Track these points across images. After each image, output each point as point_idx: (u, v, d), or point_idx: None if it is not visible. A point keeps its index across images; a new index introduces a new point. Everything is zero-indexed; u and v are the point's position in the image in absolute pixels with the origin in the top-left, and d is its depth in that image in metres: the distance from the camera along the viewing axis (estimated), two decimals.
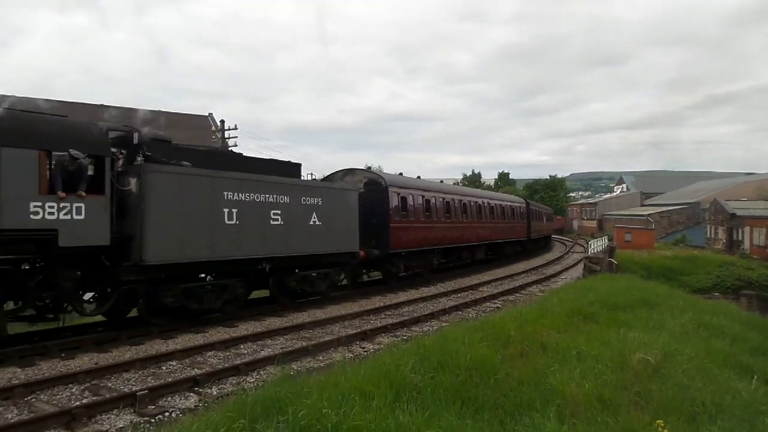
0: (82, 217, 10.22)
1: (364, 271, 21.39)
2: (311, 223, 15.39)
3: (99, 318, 14.57)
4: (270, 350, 10.73)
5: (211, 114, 47.82)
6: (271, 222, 14.07)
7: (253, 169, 14.15)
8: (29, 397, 7.86)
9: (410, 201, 21.46)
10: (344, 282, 18.68)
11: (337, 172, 21.49)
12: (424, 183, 25.32)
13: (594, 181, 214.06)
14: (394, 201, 20.35)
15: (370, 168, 20.60)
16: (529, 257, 38.54)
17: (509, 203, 35.45)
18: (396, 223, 20.23)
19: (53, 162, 10.21)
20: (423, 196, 22.74)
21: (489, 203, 30.66)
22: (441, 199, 24.42)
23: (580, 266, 28.84)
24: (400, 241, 20.30)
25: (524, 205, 39.67)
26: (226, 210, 12.86)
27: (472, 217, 27.44)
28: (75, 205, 10.14)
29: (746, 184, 66.26)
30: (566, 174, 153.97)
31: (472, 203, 27.79)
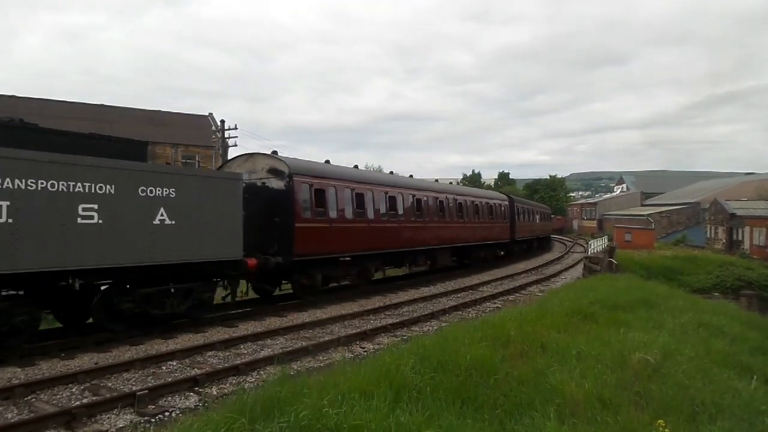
0: None
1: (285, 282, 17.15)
2: (157, 221, 11.34)
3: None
4: (270, 350, 10.73)
5: (211, 114, 47.83)
6: (80, 221, 10.07)
7: (58, 147, 10.32)
8: (29, 397, 7.86)
9: (330, 195, 17.19)
10: (228, 299, 14.48)
11: (236, 157, 17.91)
12: (356, 174, 20.39)
13: (594, 181, 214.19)
14: (303, 194, 15.99)
15: (276, 153, 16.75)
16: (529, 258, 38.43)
17: (485, 200, 30.83)
18: (305, 222, 15.87)
19: None
20: (352, 190, 18.42)
21: (456, 199, 26.48)
22: (382, 194, 20.25)
23: (580, 266, 28.85)
24: (311, 246, 15.97)
25: (506, 202, 34.91)
26: None
27: (430, 216, 23.52)
28: None
29: (746, 184, 66.29)
30: (566, 174, 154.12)
31: (430, 199, 23.82)
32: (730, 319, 14.34)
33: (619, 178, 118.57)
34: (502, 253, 34.25)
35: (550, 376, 7.10)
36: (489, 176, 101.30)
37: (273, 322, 13.64)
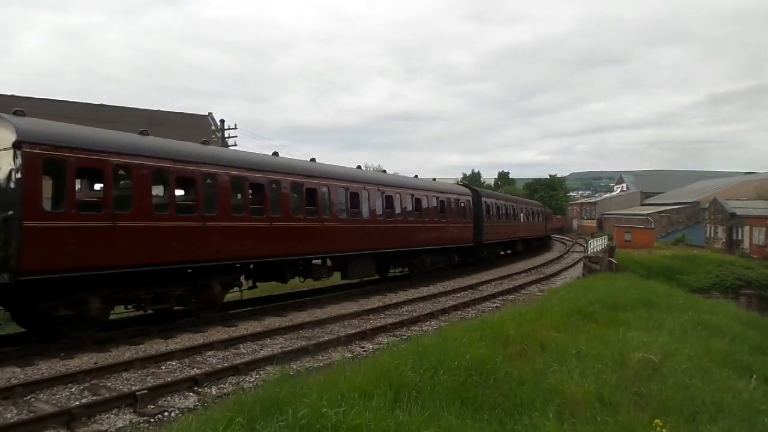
0: None
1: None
2: None
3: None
4: (269, 350, 10.72)
5: (210, 114, 47.80)
6: None
7: None
8: (29, 397, 7.85)
9: (110, 179, 11.33)
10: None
11: None
12: (169, 147, 13.02)
13: (594, 181, 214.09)
14: (39, 177, 10.21)
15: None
16: (529, 257, 38.25)
17: (433, 194, 24.29)
18: (48, 220, 10.29)
19: None
20: (166, 172, 12.29)
21: (383, 192, 20.36)
22: (227, 179, 13.65)
23: (580, 266, 28.83)
24: (55, 255, 10.25)
25: (469, 197, 28.36)
26: None
27: (335, 214, 17.71)
28: None
29: (746, 183, 66.29)
30: (566, 173, 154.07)
31: (333, 190, 17.60)
32: (730, 319, 14.37)
33: (618, 177, 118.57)
34: (460, 259, 27.47)
35: (549, 375, 7.11)
36: (489, 176, 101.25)
37: (272, 322, 13.62)
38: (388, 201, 20.73)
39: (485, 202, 29.94)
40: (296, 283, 18.63)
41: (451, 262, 26.33)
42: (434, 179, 32.93)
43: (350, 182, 18.66)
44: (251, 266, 15.30)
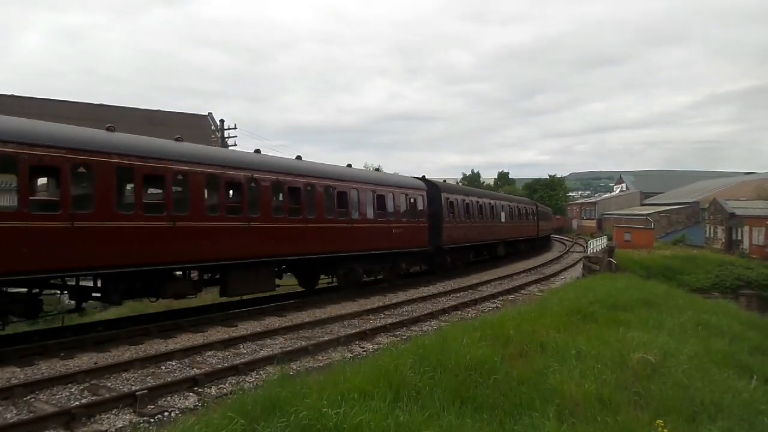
0: None
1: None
2: None
3: (99, 317, 14.55)
4: (269, 350, 10.72)
5: (210, 114, 47.86)
6: None
7: None
8: (28, 397, 7.85)
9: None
10: None
11: None
12: None
13: (593, 181, 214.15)
14: None
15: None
16: (529, 257, 38.14)
17: (369, 186, 19.53)
18: None
19: None
20: None
21: (281, 182, 15.58)
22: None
23: (580, 266, 28.83)
24: None
25: (423, 192, 23.22)
26: None
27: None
28: None
29: (745, 183, 66.28)
30: (566, 173, 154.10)
31: (190, 177, 12.93)
32: (730, 319, 14.37)
33: (618, 177, 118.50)
34: (410, 267, 23.23)
35: (549, 376, 7.11)
36: (489, 176, 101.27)
37: (272, 322, 13.62)
38: (294, 195, 16.08)
39: (447, 198, 24.92)
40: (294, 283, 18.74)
41: (396, 271, 21.16)
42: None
43: (226, 169, 13.92)
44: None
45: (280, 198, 16.01)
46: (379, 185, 20.18)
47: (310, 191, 16.60)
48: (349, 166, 20.44)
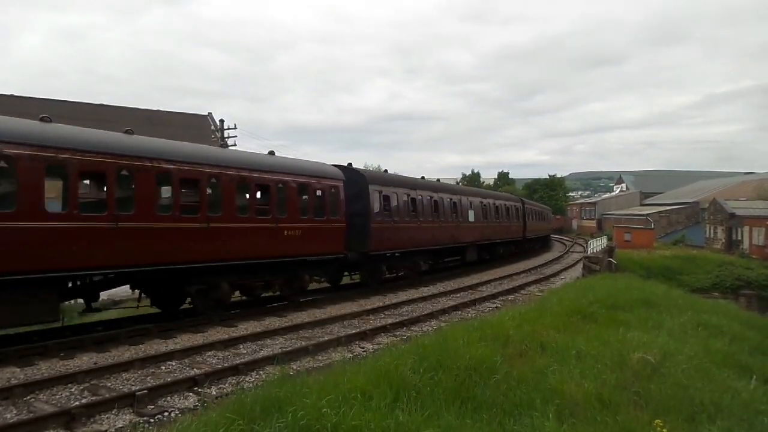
0: None
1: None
2: None
3: (98, 317, 14.55)
4: (269, 350, 10.72)
5: (210, 114, 47.84)
6: None
7: None
8: (28, 397, 7.85)
9: None
10: None
11: None
12: None
13: (593, 181, 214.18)
14: None
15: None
16: (529, 257, 38.10)
17: (237, 172, 14.06)
18: None
19: None
20: None
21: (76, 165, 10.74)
22: None
23: (580, 266, 28.85)
24: None
25: (339, 183, 17.71)
26: None
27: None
28: None
29: (745, 183, 66.30)
30: (566, 173, 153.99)
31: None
32: (729, 319, 14.37)
33: (618, 177, 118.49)
34: (314, 278, 18.12)
35: (549, 376, 7.11)
36: (489, 176, 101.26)
37: (272, 322, 13.62)
38: (96, 182, 12.18)
39: (380, 192, 19.55)
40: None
41: (296, 285, 16.23)
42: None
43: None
44: None
45: (80, 188, 11.20)
46: (261, 171, 14.65)
47: (127, 178, 11.70)
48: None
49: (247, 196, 14.44)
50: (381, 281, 20.29)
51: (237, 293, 15.04)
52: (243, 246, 13.94)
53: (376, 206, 19.31)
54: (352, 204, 18.21)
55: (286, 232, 15.16)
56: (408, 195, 21.53)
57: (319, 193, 16.89)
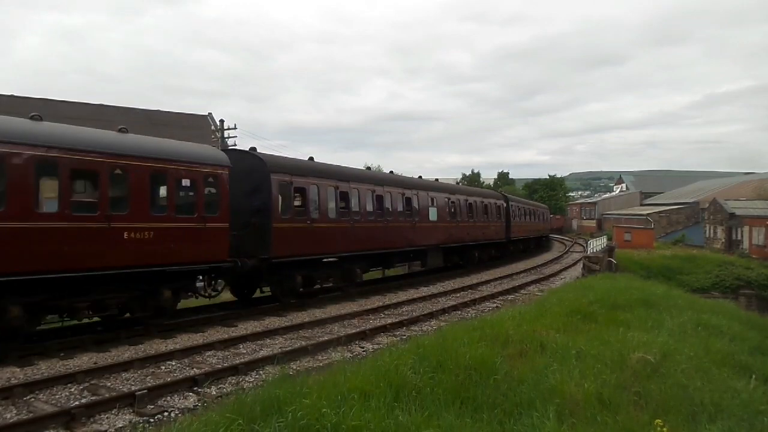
0: None
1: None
2: None
3: (97, 317, 14.54)
4: (269, 350, 10.72)
5: (210, 114, 47.86)
6: None
7: None
8: (28, 397, 7.85)
9: None
10: None
11: None
12: None
13: (593, 181, 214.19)
14: None
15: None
16: (528, 257, 38.11)
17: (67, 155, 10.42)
18: None
19: None
20: None
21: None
22: None
23: (579, 266, 28.84)
24: None
25: (222, 171, 13.59)
26: None
27: None
28: None
29: (745, 183, 66.27)
30: (566, 174, 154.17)
31: None
32: (729, 319, 14.36)
33: (618, 177, 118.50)
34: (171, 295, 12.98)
35: (549, 375, 7.10)
36: (489, 176, 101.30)
37: (272, 322, 13.63)
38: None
39: (289, 183, 15.62)
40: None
41: (153, 304, 12.35)
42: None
43: None
44: None
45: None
46: (84, 152, 10.75)
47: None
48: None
49: (59, 184, 10.44)
50: (298, 295, 16.11)
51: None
52: (46, 254, 10.03)
53: (282, 201, 15.37)
54: (249, 198, 14.76)
55: (126, 234, 11.33)
56: (336, 188, 17.42)
57: (186, 182, 12.74)
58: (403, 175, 24.72)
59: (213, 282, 14.36)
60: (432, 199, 23.67)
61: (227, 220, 13.53)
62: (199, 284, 14.31)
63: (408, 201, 21.59)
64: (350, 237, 17.83)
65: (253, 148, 16.28)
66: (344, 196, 17.91)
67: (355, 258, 18.19)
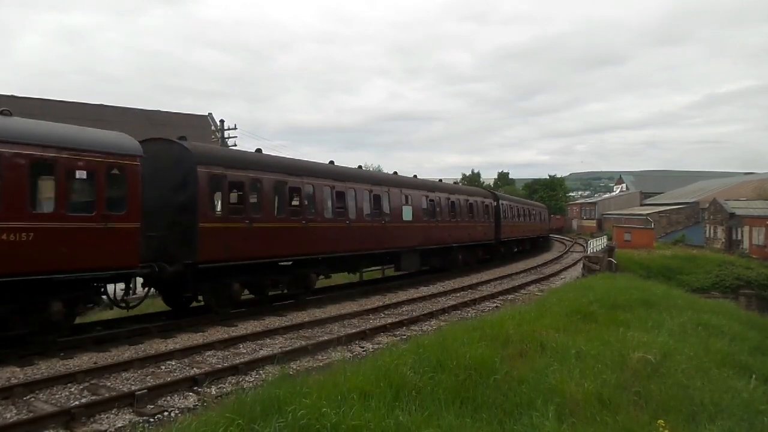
0: None
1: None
2: None
3: (98, 317, 14.54)
4: (269, 350, 10.72)
5: (210, 114, 47.88)
6: None
7: None
8: (28, 397, 7.85)
9: None
10: None
11: None
12: None
13: (593, 181, 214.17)
14: None
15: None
16: (529, 257, 38.15)
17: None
18: None
19: None
20: None
21: None
22: None
23: (580, 266, 28.85)
24: None
25: (133, 166, 11.49)
26: None
27: None
28: None
29: (745, 183, 66.29)
30: (566, 174, 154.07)
31: None
32: (729, 319, 14.36)
33: (618, 177, 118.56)
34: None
35: (549, 375, 7.10)
36: (489, 176, 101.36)
37: (272, 322, 13.62)
38: None
39: (216, 176, 13.50)
40: None
41: (29, 317, 10.35)
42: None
43: None
44: None
45: None
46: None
47: None
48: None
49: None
50: (237, 304, 14.50)
51: None
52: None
53: (210, 198, 13.65)
54: (174, 194, 12.99)
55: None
56: (284, 183, 15.47)
57: (82, 174, 10.81)
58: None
59: (129, 291, 12.50)
60: (406, 197, 21.70)
61: (138, 219, 11.49)
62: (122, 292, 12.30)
63: (377, 199, 19.70)
64: (303, 238, 15.88)
65: (183, 137, 13.69)
66: (295, 193, 16.18)
67: (309, 262, 16.32)
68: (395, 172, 24.29)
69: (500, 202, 32.20)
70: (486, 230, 29.58)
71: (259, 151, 16.14)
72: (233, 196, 14.79)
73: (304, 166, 17.18)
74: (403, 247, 21.13)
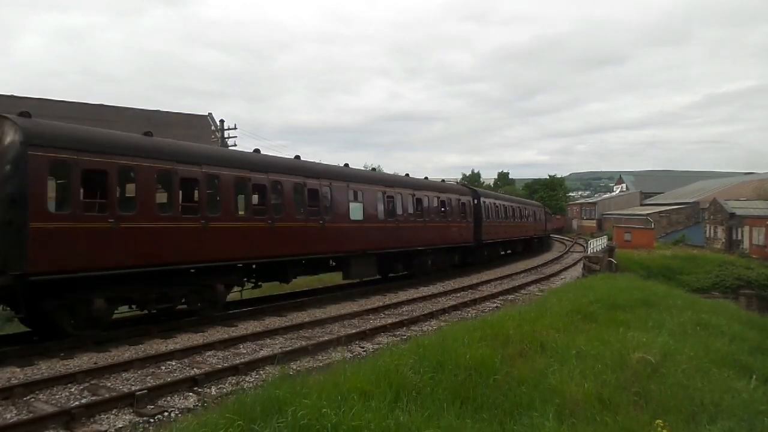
0: None
1: None
2: None
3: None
4: (269, 350, 10.72)
5: (210, 114, 47.88)
6: None
7: None
8: (28, 397, 7.85)
9: None
10: None
11: None
12: None
13: (593, 181, 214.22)
14: None
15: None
16: (529, 257, 38.15)
17: None
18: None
19: None
20: None
21: None
22: None
23: (580, 266, 28.85)
24: None
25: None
26: None
27: None
28: None
29: (745, 183, 66.26)
30: (566, 174, 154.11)
31: None
32: (729, 319, 14.37)
33: (618, 177, 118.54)
34: None
35: (549, 376, 7.11)
36: (489, 176, 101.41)
37: (272, 322, 13.63)
38: None
39: (61, 162, 10.58)
40: (297, 283, 18.62)
41: None
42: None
43: None
44: None
45: None
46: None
47: None
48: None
49: None
50: (107, 326, 11.74)
51: None
52: None
53: (54, 190, 10.98)
54: (2, 185, 10.18)
55: None
56: (174, 172, 12.43)
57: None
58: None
59: None
60: (355, 193, 18.67)
61: (18, 220, 9.67)
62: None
63: (313, 194, 16.74)
64: (204, 242, 12.95)
65: (25, 113, 10.58)
66: (190, 185, 13.24)
67: (215, 270, 13.48)
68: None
69: (481, 199, 28.92)
70: (463, 231, 26.41)
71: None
72: (91, 189, 11.35)
73: (203, 153, 14.06)
74: (351, 250, 18.29)
